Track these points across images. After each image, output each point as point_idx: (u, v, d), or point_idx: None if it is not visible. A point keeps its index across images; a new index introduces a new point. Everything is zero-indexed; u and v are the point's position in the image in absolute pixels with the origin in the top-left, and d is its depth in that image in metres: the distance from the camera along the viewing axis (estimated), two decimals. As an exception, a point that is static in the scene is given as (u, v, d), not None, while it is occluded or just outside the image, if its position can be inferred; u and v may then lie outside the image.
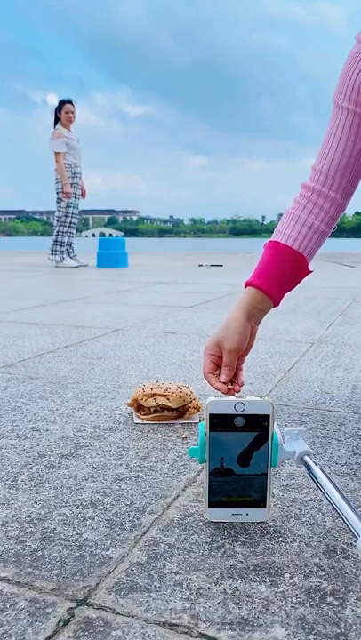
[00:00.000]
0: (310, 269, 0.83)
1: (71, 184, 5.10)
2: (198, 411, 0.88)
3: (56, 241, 5.16)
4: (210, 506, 0.55)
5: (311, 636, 0.40)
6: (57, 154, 4.98)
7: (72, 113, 5.08)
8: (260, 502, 0.55)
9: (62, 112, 5.06)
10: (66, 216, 5.16)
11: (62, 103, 5.09)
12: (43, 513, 0.58)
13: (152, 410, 0.86)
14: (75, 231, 5.28)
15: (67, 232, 5.19)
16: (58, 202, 5.14)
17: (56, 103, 5.19)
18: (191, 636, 0.40)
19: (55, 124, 5.10)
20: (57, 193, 5.13)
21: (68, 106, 5.08)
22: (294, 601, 0.44)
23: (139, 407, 0.87)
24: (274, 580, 0.47)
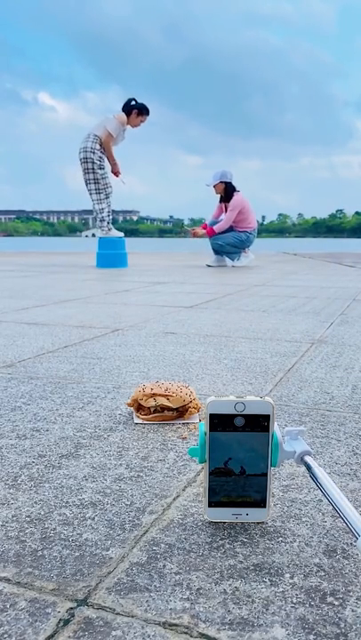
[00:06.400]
0: None
1: (103, 176, 5.01)
2: (198, 411, 0.88)
3: (103, 217, 5.07)
4: (210, 506, 0.55)
5: (311, 636, 0.40)
6: (107, 135, 4.77)
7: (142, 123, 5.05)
8: (260, 502, 0.55)
9: (140, 117, 4.95)
10: (107, 197, 5.05)
11: (147, 111, 4.97)
12: (43, 513, 0.58)
13: (152, 410, 0.86)
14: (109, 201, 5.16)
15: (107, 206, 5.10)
16: (97, 193, 4.99)
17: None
18: (191, 636, 0.40)
19: (125, 114, 4.89)
20: (87, 184, 4.97)
21: (147, 117, 5.00)
22: (294, 601, 0.44)
23: (139, 407, 0.87)
24: (274, 579, 0.47)
